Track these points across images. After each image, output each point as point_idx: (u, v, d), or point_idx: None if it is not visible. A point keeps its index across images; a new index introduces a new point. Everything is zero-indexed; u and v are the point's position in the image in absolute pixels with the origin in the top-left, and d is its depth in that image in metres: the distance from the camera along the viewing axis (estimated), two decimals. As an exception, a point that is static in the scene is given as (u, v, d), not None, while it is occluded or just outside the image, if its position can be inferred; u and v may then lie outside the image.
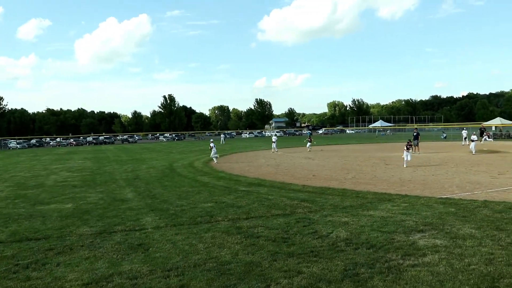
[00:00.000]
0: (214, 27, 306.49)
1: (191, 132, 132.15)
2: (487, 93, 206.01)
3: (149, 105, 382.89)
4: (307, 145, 41.15)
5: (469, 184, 16.52)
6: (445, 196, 13.74)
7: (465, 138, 45.69)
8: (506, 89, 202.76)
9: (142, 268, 7.27)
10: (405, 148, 24.57)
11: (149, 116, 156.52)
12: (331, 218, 10.77)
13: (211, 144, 31.74)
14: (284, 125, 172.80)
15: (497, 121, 67.61)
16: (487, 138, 47.88)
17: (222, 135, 76.04)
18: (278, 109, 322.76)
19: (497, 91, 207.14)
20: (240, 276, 6.73)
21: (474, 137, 33.03)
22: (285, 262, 7.37)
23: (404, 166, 22.67)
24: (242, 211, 12.16)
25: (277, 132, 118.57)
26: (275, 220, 10.81)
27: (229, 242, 8.79)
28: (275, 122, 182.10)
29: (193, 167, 26.75)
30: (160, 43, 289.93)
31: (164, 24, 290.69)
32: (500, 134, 64.57)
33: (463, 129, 50.41)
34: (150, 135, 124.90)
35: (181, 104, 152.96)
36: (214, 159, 30.39)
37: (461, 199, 13.20)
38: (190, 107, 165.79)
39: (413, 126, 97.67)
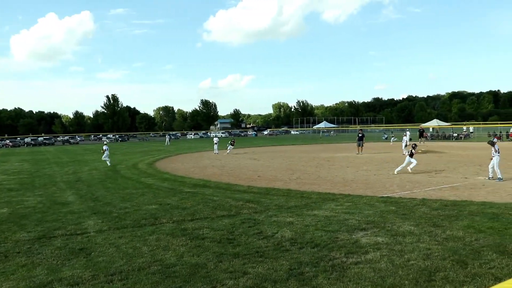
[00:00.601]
0: (160, 27, 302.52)
1: (135, 133, 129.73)
2: (425, 96, 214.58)
3: (91, 105, 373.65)
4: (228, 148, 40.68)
5: (408, 183, 17.11)
6: (386, 195, 14.16)
7: (410, 139, 47.29)
8: (442, 93, 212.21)
9: (84, 274, 7.05)
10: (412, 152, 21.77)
11: (92, 116, 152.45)
12: (276, 219, 10.86)
13: (104, 147, 31.06)
14: (230, 126, 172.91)
15: (434, 123, 70.55)
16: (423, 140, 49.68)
17: (167, 136, 75.04)
18: (224, 110, 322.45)
19: (434, 94, 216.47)
20: (186, 279, 6.66)
21: (406, 138, 34.09)
22: (230, 263, 7.36)
23: (409, 171, 20.84)
24: (187, 212, 12.05)
25: (222, 133, 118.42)
26: (220, 221, 10.79)
27: (174, 244, 8.68)
28: (221, 123, 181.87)
29: (137, 169, 26.28)
30: (104, 42, 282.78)
31: (108, 22, 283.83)
32: (437, 135, 67.33)
33: (406, 131, 52.12)
34: (92, 136, 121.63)
35: (125, 105, 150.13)
36: (108, 162, 29.80)
37: (401, 197, 13.66)
38: (134, 108, 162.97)
39: (356, 127, 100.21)
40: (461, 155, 30.23)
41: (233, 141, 41.49)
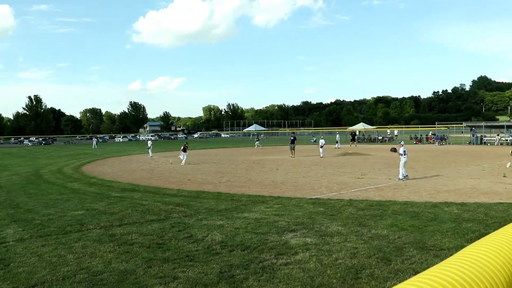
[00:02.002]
0: (87, 26, 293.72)
1: (60, 136, 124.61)
2: (352, 100, 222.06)
3: (12, 107, 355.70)
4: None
5: (336, 184, 17.59)
6: (314, 197, 14.48)
7: (337, 142, 48.92)
8: (368, 97, 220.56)
9: (1, 287, 6.66)
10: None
11: (12, 118, 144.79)
12: (206, 222, 10.81)
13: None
14: (159, 128, 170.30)
15: (361, 126, 72.95)
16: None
17: (94, 139, 72.63)
18: (153, 113, 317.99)
19: (360, 98, 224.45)
20: (114, 286, 6.48)
21: (322, 141, 34.73)
22: (160, 268, 7.24)
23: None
24: (115, 217, 11.71)
25: (151, 135, 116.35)
26: (149, 225, 10.58)
27: (101, 250, 8.41)
28: (150, 125, 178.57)
29: (62, 173, 25.24)
30: (26, 39, 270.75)
31: (30, 18, 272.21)
32: (363, 138, 69.79)
33: (336, 134, 53.80)
34: (12, 139, 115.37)
35: (49, 106, 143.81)
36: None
37: (329, 198, 14.02)
38: (59, 110, 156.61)
39: (285, 130, 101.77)
40: (386, 157, 31.47)
41: (186, 145, 31.71)
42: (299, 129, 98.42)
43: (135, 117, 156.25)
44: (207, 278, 6.68)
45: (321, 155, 33.21)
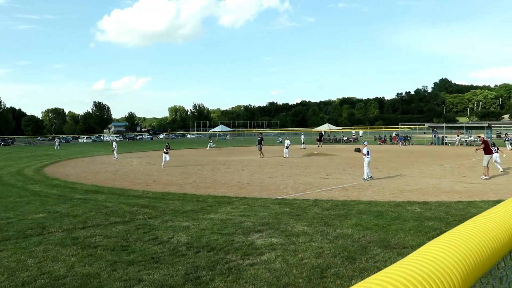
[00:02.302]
0: (49, 23, 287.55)
1: (20, 136, 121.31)
2: (318, 101, 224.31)
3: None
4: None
5: (302, 185, 17.72)
6: (280, 197, 14.55)
7: (303, 143, 49.44)
8: (333, 98, 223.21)
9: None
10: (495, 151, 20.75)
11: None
12: (171, 223, 10.72)
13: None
14: (124, 129, 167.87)
15: (326, 127, 73.73)
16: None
17: (56, 140, 70.95)
18: (118, 113, 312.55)
19: (326, 99, 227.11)
20: (76, 290, 6.35)
21: (287, 142, 34.93)
22: (125, 271, 7.13)
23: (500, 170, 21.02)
24: (78, 220, 11.48)
25: (116, 136, 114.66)
26: (114, 228, 10.42)
27: (63, 254, 8.22)
28: (115, 126, 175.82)
29: (23, 175, 24.58)
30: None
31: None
32: (329, 139, 70.54)
33: (301, 135, 54.29)
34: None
35: (8, 106, 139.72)
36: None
37: (295, 199, 14.11)
38: (20, 109, 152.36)
39: (251, 131, 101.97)
40: (351, 158, 31.87)
41: (168, 146, 29.37)
42: (265, 130, 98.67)
43: (99, 118, 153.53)
44: (173, 280, 6.62)
45: (287, 155, 33.38)
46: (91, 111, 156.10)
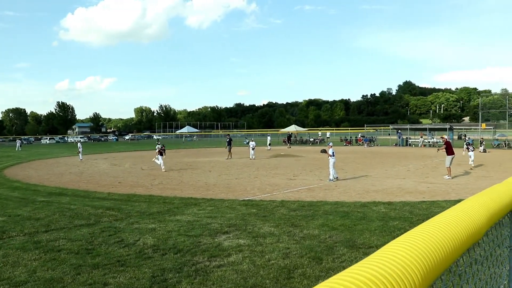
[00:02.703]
0: (9, 20, 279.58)
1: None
2: (284, 103, 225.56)
3: None
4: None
5: (268, 186, 17.78)
6: (247, 198, 14.57)
7: (269, 144, 49.73)
8: (300, 100, 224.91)
9: None
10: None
11: None
12: (137, 225, 10.60)
13: None
14: (89, 130, 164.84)
15: (293, 128, 74.33)
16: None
17: (18, 141, 69.02)
18: (82, 114, 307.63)
19: (292, 101, 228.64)
20: (39, 294, 6.21)
21: (253, 143, 34.87)
22: (89, 274, 7.01)
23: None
24: (40, 223, 11.21)
25: (81, 137, 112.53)
26: (78, 231, 10.22)
27: (25, 259, 8.01)
28: (79, 127, 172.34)
29: (-18, 178, 23.87)
30: None
31: None
32: (295, 140, 70.99)
33: (268, 136, 54.53)
34: None
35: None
36: None
37: (261, 200, 14.15)
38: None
39: (218, 132, 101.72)
40: (317, 159, 32.16)
41: (163, 147, 26.78)
42: (232, 131, 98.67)
43: (63, 118, 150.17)
44: (139, 283, 6.55)
45: (253, 157, 33.42)
46: (54, 112, 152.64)
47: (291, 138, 61.44)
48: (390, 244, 0.88)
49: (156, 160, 25.41)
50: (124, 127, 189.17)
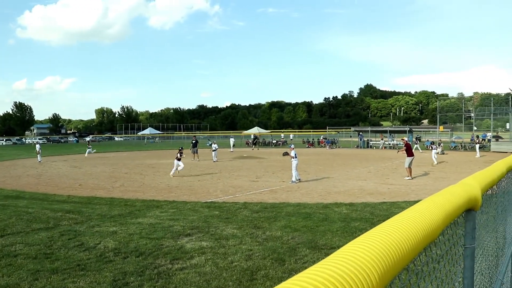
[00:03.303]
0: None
1: None
2: (247, 104, 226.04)
3: None
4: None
5: (231, 188, 17.77)
6: (210, 200, 14.52)
7: (233, 146, 49.81)
8: (263, 102, 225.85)
9: None
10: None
11: None
12: (98, 229, 10.41)
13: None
14: (48, 131, 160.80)
15: (255, 130, 74.62)
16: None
17: (-29, 143, 66.89)
18: (42, 114, 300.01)
19: (255, 103, 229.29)
20: (-6, 301, 6.02)
21: (215, 145, 34.61)
22: (48, 280, 6.83)
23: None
24: (-4, 227, 10.87)
25: (39, 139, 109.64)
26: (36, 235, 9.95)
27: (-20, 264, 7.75)
28: (38, 128, 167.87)
29: None
30: None
31: None
32: (258, 142, 71.27)
33: (230, 138, 54.58)
34: None
35: None
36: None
37: (224, 202, 14.13)
38: None
39: (181, 134, 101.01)
40: (279, 160, 32.36)
41: (181, 151, 24.04)
42: (195, 133, 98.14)
43: (20, 119, 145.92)
44: (100, 287, 6.43)
45: (215, 159, 33.21)
46: (11, 112, 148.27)
47: (257, 140, 61.85)
48: (348, 245, 0.90)
49: (178, 167, 22.61)
50: (85, 129, 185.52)
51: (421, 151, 28.98)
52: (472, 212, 2.09)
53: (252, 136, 71.43)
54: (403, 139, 23.65)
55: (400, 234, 1.02)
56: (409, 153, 20.56)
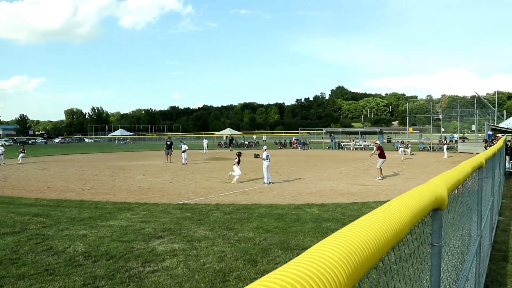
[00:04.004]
0: None
1: None
2: (220, 106, 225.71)
3: None
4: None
5: (203, 189, 17.70)
6: (182, 202, 14.43)
7: (207, 147, 49.83)
8: (235, 103, 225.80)
9: None
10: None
11: None
12: (68, 232, 10.22)
13: None
14: (15, 133, 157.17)
15: (228, 132, 74.52)
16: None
17: None
18: (8, 115, 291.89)
19: (227, 104, 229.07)
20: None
21: (185, 147, 33.70)
22: (14, 286, 6.67)
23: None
24: (-39, 232, 10.56)
25: (5, 140, 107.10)
26: (1, 240, 9.70)
27: None
28: (3, 129, 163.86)
29: None
30: None
31: None
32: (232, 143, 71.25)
33: (204, 139, 54.49)
34: None
35: None
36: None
37: (196, 203, 14.07)
38: None
39: (152, 135, 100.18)
40: (252, 162, 32.36)
41: (239, 155, 21.95)
42: (167, 134, 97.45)
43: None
44: (68, 292, 6.32)
45: (184, 161, 32.47)
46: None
47: (233, 142, 62.04)
48: (316, 245, 0.90)
49: (233, 173, 20.76)
50: (54, 130, 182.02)
51: (403, 158, 30.79)
52: (439, 211, 2.13)
53: (225, 138, 71.46)
54: (375, 142, 24.18)
55: (368, 234, 1.03)
56: (382, 155, 21.18)
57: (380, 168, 20.87)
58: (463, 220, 3.65)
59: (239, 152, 22.22)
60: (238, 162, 20.76)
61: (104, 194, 16.68)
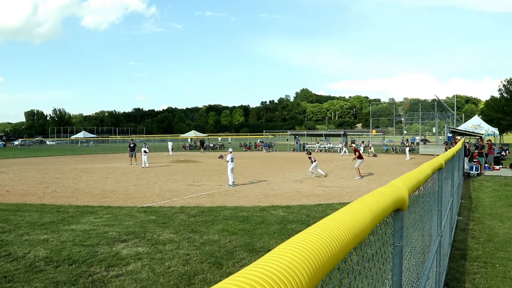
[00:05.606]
0: None
1: None
2: (184, 108, 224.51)
3: None
4: None
5: (168, 192, 17.55)
6: (146, 205, 14.27)
7: (172, 149, 49.43)
8: (200, 105, 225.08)
9: None
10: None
11: None
12: (28, 237, 9.96)
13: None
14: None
15: (192, 134, 74.15)
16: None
17: None
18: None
19: (192, 106, 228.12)
20: None
21: (145, 149, 32.70)
22: (-29, 292, 6.48)
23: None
24: None
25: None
26: (-41, 245, 9.40)
27: None
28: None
29: None
30: None
31: None
32: (195, 146, 70.81)
33: (169, 142, 54.06)
34: None
35: None
36: None
37: (161, 206, 13.93)
38: None
39: (116, 137, 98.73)
40: (216, 164, 32.28)
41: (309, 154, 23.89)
42: (131, 136, 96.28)
43: None
44: (29, 298, 6.17)
45: (144, 165, 30.87)
46: None
47: (204, 144, 61.91)
48: (279, 246, 0.91)
49: (312, 171, 22.33)
50: (13, 132, 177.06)
51: (373, 153, 32.60)
52: (400, 212, 2.18)
53: (189, 140, 71.06)
54: (351, 146, 26.62)
55: (329, 235, 1.05)
56: (360, 156, 22.87)
57: (358, 168, 22.29)
58: (424, 220, 3.74)
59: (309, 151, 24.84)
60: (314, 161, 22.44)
61: (67, 198, 16.34)
